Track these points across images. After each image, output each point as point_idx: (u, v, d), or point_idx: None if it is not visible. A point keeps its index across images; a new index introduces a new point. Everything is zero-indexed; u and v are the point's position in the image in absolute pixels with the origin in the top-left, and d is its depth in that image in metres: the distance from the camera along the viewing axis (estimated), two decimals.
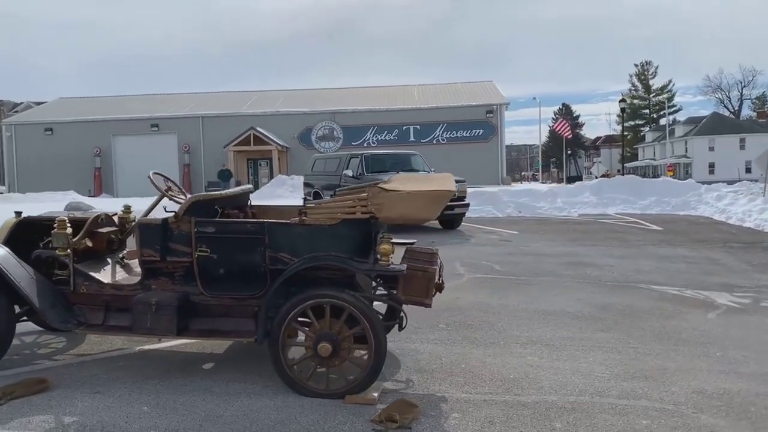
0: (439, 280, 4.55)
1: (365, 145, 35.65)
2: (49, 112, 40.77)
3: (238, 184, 28.82)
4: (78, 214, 4.92)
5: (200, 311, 4.32)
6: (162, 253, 4.21)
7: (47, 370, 4.53)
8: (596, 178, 35.92)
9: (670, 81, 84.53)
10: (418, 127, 36.72)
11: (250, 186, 5.11)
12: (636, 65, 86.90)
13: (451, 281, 7.86)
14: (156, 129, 36.86)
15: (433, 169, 14.39)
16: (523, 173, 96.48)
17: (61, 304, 4.33)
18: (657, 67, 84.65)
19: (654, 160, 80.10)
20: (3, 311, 4.23)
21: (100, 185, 35.97)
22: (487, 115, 36.60)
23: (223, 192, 4.57)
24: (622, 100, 41.07)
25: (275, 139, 34.00)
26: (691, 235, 12.87)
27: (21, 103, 60.99)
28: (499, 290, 7.40)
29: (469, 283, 7.89)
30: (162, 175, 4.94)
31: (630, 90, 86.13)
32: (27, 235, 4.76)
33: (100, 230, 4.66)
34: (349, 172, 13.89)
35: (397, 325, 4.67)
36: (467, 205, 13.23)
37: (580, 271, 8.66)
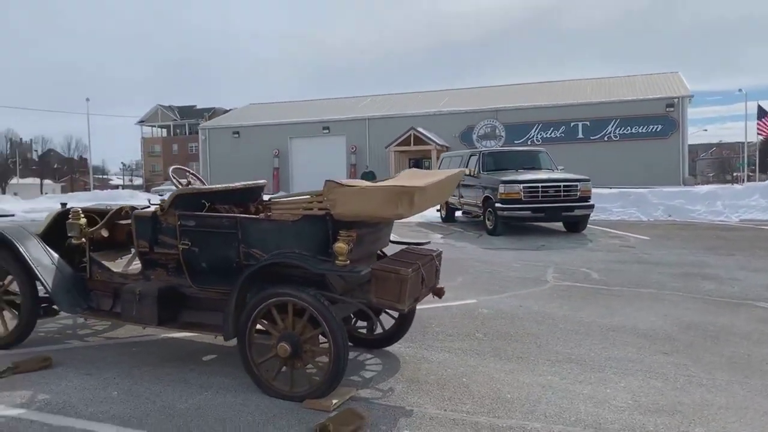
0: (427, 285, 4.19)
1: (528, 143, 34.44)
2: (238, 117, 44.87)
3: None
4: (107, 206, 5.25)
5: (192, 304, 4.39)
6: (152, 245, 4.35)
7: (68, 350, 4.91)
8: None
9: None
10: (587, 123, 34.56)
11: (263, 181, 5.09)
12: None
13: (529, 288, 7.29)
14: (327, 131, 38.86)
15: (561, 167, 13.40)
16: (735, 174, 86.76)
17: (76, 290, 4.67)
18: None
19: None
20: (27, 294, 4.66)
21: (278, 184, 38.77)
22: (667, 109, 33.33)
23: (213, 186, 4.61)
24: None
25: (435, 139, 34.08)
26: None
27: (228, 109, 67.55)
28: (576, 300, 6.65)
29: (548, 291, 7.20)
30: (184, 169, 5.12)
31: None
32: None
33: (123, 222, 4.94)
34: (466, 170, 13.44)
35: (367, 330, 4.38)
36: (591, 206, 12.07)
37: (692, 284, 7.48)
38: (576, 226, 12.54)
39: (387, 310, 4.79)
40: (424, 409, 3.76)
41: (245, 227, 4.04)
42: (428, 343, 5.10)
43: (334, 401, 3.77)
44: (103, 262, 4.69)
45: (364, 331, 4.95)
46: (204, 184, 5.09)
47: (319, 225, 3.84)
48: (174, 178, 4.94)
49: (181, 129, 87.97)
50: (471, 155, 13.98)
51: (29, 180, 74.58)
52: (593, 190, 14.56)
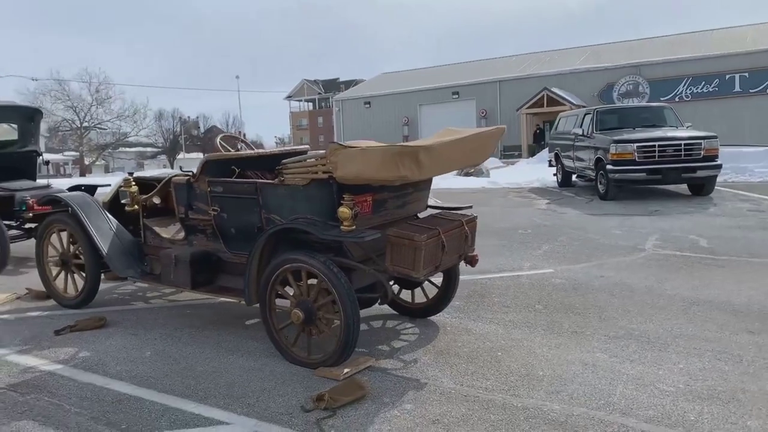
0: (451, 252, 3.91)
1: (676, 99, 31.55)
2: (370, 87, 45.44)
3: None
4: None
5: (229, 268, 4.45)
6: (188, 210, 4.45)
7: (128, 311, 5.20)
8: None
9: None
10: (745, 75, 30.97)
11: (305, 147, 5.01)
12: None
13: (620, 257, 6.65)
14: (456, 96, 38.20)
15: (688, 125, 11.99)
16: None
17: (131, 255, 4.91)
18: None
19: None
20: (89, 258, 4.98)
21: None
22: None
23: (241, 152, 4.58)
24: None
25: (570, 99, 32.20)
26: None
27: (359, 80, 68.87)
28: (668, 271, 5.94)
29: (640, 260, 6.50)
30: (234, 137, 5.18)
31: None
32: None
33: None
34: (579, 130, 12.47)
35: (379, 300, 4.16)
36: (717, 166, 10.64)
37: None
38: (700, 188, 11.22)
39: (430, 279, 4.58)
40: (440, 383, 3.52)
41: (264, 193, 3.98)
42: (479, 314, 4.80)
43: (346, 370, 3.64)
44: (155, 228, 4.88)
45: (409, 300, 4.77)
46: (254, 150, 5.12)
47: (326, 189, 3.68)
48: (222, 145, 5.02)
49: (325, 102, 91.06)
50: (585, 114, 12.92)
51: (194, 154, 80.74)
52: (731, 149, 12.99)
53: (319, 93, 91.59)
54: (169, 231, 4.95)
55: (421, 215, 4.43)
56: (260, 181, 4.07)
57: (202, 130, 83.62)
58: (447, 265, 4.03)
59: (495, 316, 4.75)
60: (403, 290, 4.80)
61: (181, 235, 4.74)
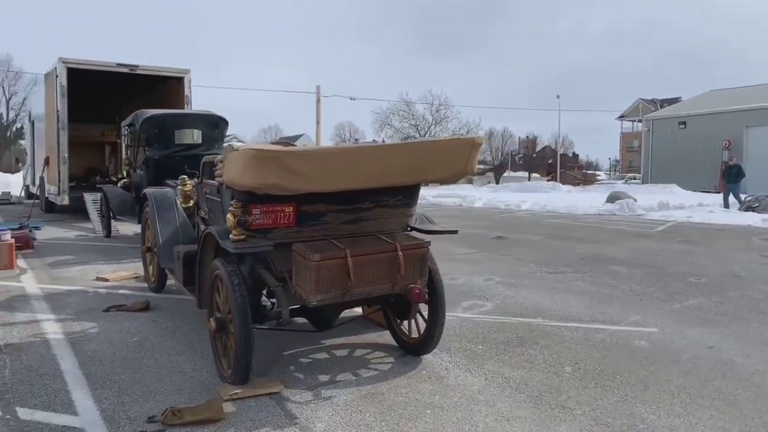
0: (391, 282, 3.34)
1: None
2: (688, 106, 40.79)
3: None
4: None
5: None
6: (199, 209, 4.61)
7: (179, 299, 5.52)
8: None
9: None
10: None
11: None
12: None
13: None
14: None
15: None
16: None
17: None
18: None
19: None
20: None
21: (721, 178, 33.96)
22: None
23: None
24: None
25: None
26: None
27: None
28: None
29: None
30: (287, 143, 5.21)
31: None
32: None
33: None
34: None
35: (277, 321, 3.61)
36: None
37: None
38: None
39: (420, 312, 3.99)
40: (315, 427, 3.04)
41: (221, 194, 3.92)
42: (480, 363, 3.98)
43: (237, 391, 3.37)
44: (200, 225, 5.17)
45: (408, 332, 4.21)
46: None
47: (227, 194, 3.47)
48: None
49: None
50: None
51: (519, 173, 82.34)
52: None
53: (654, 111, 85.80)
54: None
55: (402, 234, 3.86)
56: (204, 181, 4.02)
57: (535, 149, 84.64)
58: (365, 294, 3.42)
59: (495, 368, 3.90)
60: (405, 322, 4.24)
61: None
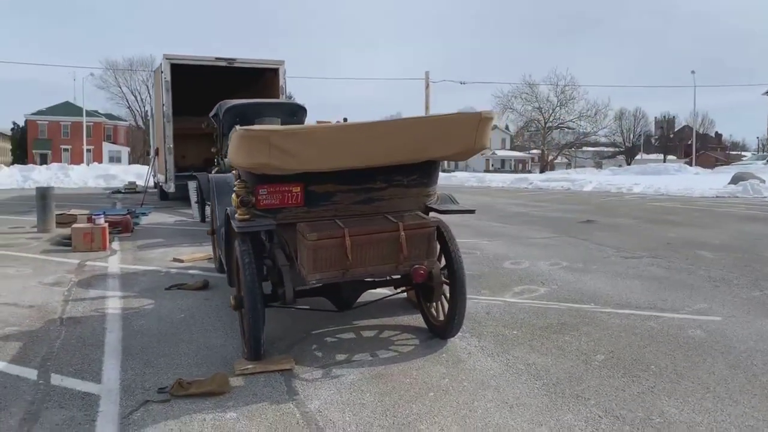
0: (395, 263, 3.28)
1: None
2: None
3: None
4: None
5: None
6: None
7: None
8: None
9: None
10: None
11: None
12: None
13: None
14: None
15: None
16: None
17: None
18: None
19: None
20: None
21: None
22: None
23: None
24: None
25: None
26: None
27: None
28: None
29: None
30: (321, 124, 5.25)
31: None
32: None
33: None
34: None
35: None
36: None
37: None
38: None
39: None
40: (308, 406, 3.08)
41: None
42: (507, 347, 3.83)
43: (249, 366, 3.47)
44: None
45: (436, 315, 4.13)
46: None
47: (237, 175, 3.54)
48: None
49: None
50: None
51: (653, 155, 77.65)
52: None
53: None
54: None
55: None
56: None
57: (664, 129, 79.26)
58: (367, 274, 3.38)
59: (521, 354, 3.73)
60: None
61: None
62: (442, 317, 4.00)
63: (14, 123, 72.74)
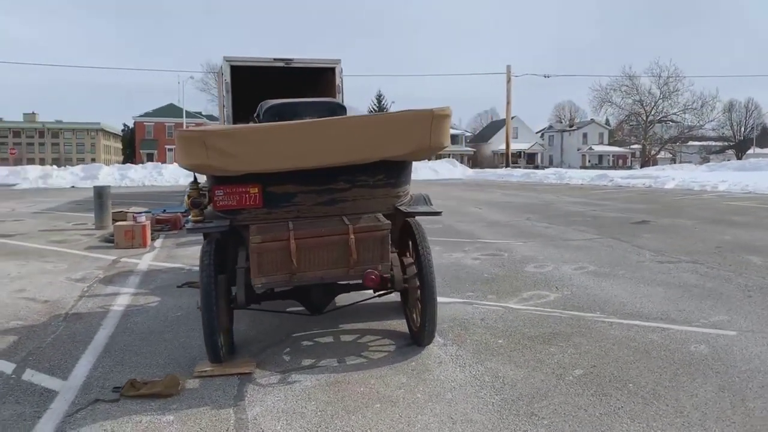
0: (345, 267, 3.17)
1: None
2: None
3: None
4: None
5: None
6: None
7: None
8: None
9: None
10: None
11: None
12: None
13: None
14: None
15: None
16: None
17: None
18: None
19: None
20: None
21: None
22: None
23: None
24: None
25: None
26: None
27: None
28: None
29: None
30: None
31: None
32: None
33: None
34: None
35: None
36: None
37: None
38: None
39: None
40: (254, 412, 3.03)
41: None
42: (484, 356, 3.63)
43: (208, 369, 3.47)
44: None
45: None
46: None
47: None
48: None
49: None
50: None
51: (766, 150, 72.82)
52: None
53: None
54: None
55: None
56: None
57: None
58: (316, 279, 3.26)
59: (495, 365, 3.52)
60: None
61: None
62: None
63: (124, 124, 77.69)
